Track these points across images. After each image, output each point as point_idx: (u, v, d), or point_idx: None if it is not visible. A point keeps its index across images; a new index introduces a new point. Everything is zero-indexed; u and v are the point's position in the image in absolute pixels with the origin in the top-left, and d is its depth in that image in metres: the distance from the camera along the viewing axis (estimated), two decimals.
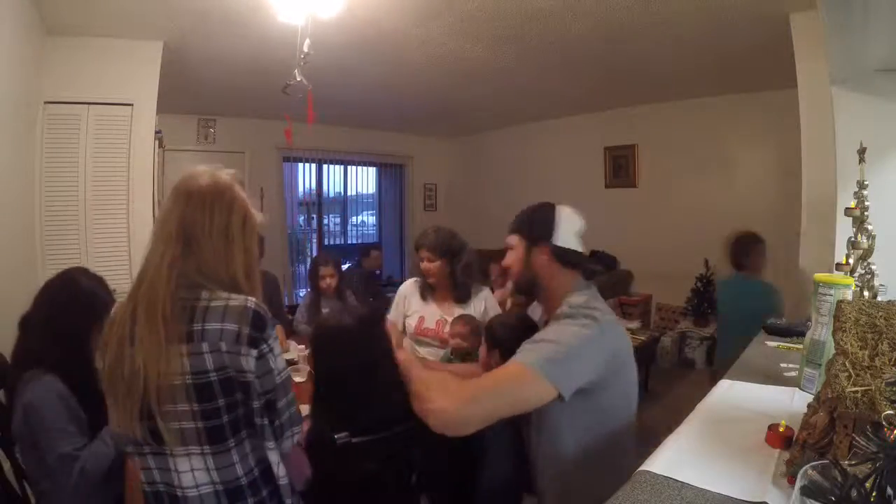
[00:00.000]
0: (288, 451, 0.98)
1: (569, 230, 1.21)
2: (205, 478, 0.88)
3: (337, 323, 1.16)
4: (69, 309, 1.27)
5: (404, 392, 1.12)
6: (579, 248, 1.21)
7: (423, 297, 2.06)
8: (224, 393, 0.86)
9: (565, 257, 1.19)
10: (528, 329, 1.23)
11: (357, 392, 1.09)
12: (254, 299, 0.91)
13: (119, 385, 0.85)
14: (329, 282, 2.74)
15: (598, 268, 1.30)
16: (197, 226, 0.91)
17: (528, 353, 1.01)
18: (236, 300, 0.89)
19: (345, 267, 3.73)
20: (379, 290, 4.80)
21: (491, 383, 1.00)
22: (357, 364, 1.10)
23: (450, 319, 1.91)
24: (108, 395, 0.88)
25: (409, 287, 2.12)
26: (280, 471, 0.93)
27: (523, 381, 0.97)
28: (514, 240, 1.25)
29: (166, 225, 0.91)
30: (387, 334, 1.22)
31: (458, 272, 1.96)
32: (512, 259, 1.24)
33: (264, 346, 0.89)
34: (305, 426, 1.13)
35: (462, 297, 1.98)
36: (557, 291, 1.19)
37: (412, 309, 2.07)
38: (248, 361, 0.87)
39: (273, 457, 0.93)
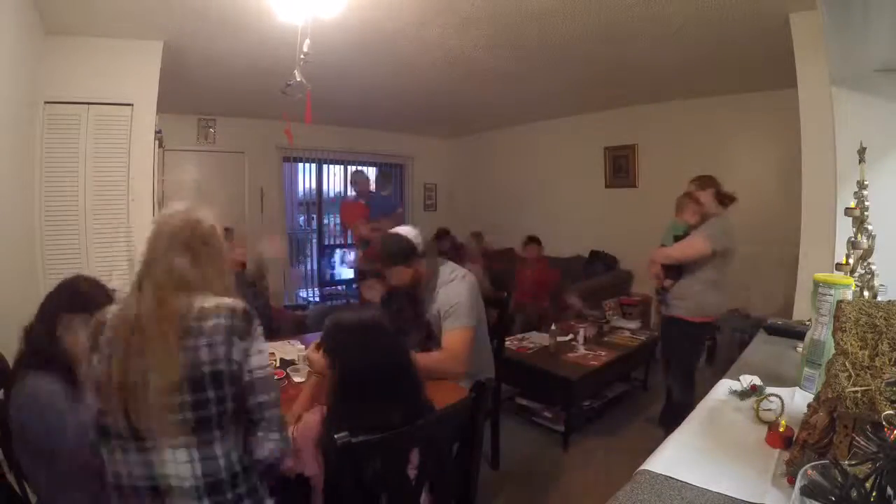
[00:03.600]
0: (267, 457, 1.02)
1: None
2: (187, 471, 0.94)
3: (363, 322, 1.18)
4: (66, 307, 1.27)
5: (414, 392, 1.14)
6: None
7: None
8: (214, 385, 0.95)
9: None
10: None
11: (373, 391, 1.11)
12: (241, 302, 1.04)
13: (115, 387, 0.93)
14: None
15: None
16: (205, 267, 1.05)
17: None
18: (228, 300, 1.03)
19: None
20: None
21: None
22: (381, 364, 1.12)
23: None
24: (102, 393, 0.95)
25: None
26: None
27: None
28: None
29: (172, 273, 1.01)
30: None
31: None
32: None
33: (249, 338, 1.00)
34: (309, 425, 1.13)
35: None
36: None
37: None
38: (237, 351, 0.98)
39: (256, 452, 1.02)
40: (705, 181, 2.59)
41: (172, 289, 1.00)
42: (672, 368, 2.64)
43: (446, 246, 4.87)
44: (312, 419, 1.13)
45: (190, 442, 0.93)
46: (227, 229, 1.57)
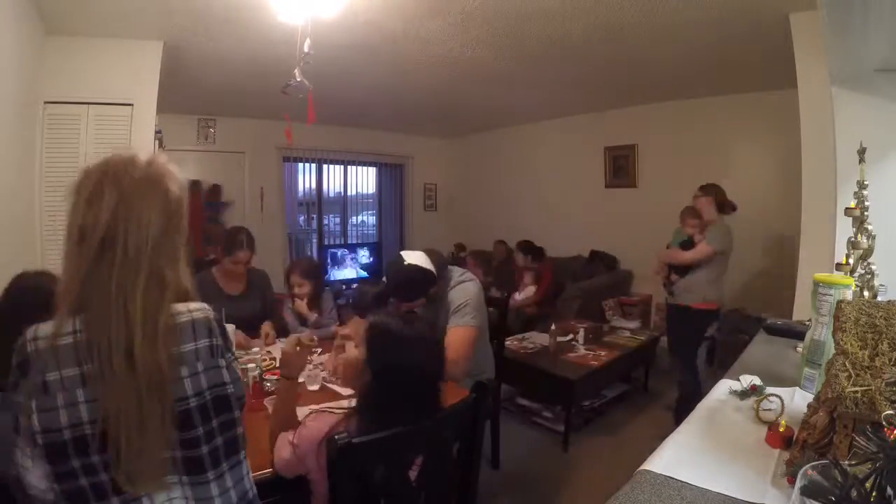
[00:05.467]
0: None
1: None
2: None
3: (412, 329, 1.18)
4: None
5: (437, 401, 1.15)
6: None
7: None
8: (203, 420, 0.79)
9: None
10: None
11: (407, 400, 1.11)
12: (206, 305, 0.84)
13: (89, 440, 0.72)
14: (299, 292, 2.49)
15: None
16: (174, 233, 0.82)
17: None
18: (198, 311, 0.82)
19: None
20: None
21: None
22: (418, 370, 1.13)
23: None
24: (71, 450, 0.72)
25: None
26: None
27: None
28: None
29: (141, 229, 0.77)
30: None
31: None
32: None
33: (230, 354, 0.85)
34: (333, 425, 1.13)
35: None
36: None
37: None
38: (224, 372, 0.83)
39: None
40: (707, 188, 2.96)
41: (161, 287, 0.77)
42: (677, 350, 3.01)
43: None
44: (316, 425, 1.13)
45: (184, 480, 0.79)
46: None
